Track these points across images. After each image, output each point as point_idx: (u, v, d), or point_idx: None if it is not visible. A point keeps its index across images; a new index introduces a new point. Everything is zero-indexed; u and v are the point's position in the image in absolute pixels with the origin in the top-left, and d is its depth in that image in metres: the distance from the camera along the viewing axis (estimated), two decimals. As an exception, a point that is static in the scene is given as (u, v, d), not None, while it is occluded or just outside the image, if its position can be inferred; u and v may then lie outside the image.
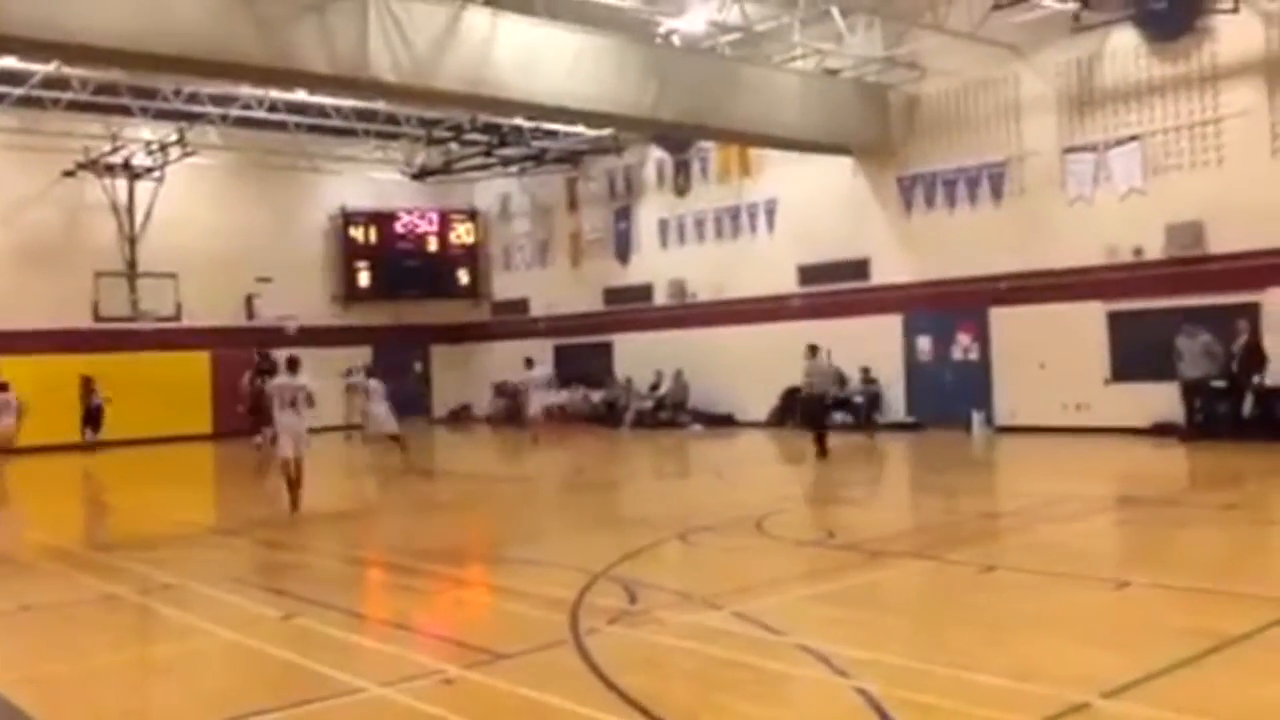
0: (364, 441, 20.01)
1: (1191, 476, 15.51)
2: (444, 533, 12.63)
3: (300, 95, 24.68)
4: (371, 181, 31.57)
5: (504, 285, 33.41)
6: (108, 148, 26.45)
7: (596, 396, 28.87)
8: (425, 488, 17.95)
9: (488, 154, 29.32)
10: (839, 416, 22.60)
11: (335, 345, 27.74)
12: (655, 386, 27.50)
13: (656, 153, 28.27)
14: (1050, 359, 20.42)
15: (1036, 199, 20.89)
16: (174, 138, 26.37)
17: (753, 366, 24.63)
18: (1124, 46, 19.71)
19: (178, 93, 24.96)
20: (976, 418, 21.40)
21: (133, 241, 27.61)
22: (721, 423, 25.75)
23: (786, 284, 25.09)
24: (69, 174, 26.67)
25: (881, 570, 9.09)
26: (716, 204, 26.90)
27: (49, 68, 22.24)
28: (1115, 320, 19.92)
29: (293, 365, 14.09)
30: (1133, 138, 19.59)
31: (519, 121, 26.61)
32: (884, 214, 23.36)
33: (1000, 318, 21.51)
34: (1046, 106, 20.73)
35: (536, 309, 32.02)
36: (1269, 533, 10.89)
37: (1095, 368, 20.01)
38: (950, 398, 21.99)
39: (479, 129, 27.76)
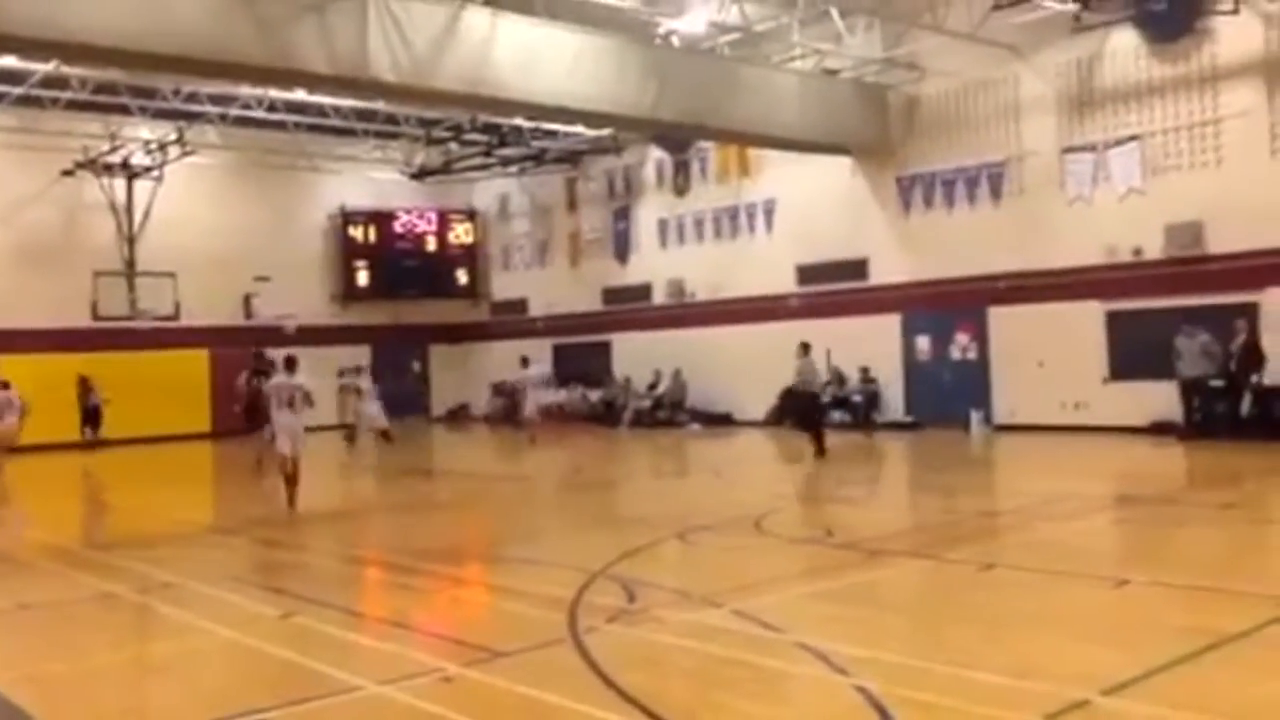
0: (352, 441, 20.07)
1: (1190, 475, 15.52)
2: (442, 532, 12.63)
3: (299, 95, 24.68)
4: (371, 181, 31.57)
5: (503, 285, 33.41)
6: (107, 147, 26.44)
7: (595, 396, 28.87)
8: (424, 487, 17.96)
9: (487, 154, 29.33)
10: (837, 416, 22.66)
11: (334, 344, 27.72)
12: (654, 386, 27.51)
13: (656, 153, 28.28)
14: (1049, 358, 20.43)
15: (1036, 199, 20.90)
16: (173, 137, 26.35)
17: (751, 366, 24.64)
18: (1124, 47, 19.72)
19: (177, 92, 24.95)
20: (975, 417, 21.41)
21: (131, 241, 27.60)
22: (720, 422, 25.75)
23: (785, 284, 25.10)
24: (68, 173, 26.67)
25: (880, 569, 9.09)
26: (715, 204, 26.91)
27: (48, 67, 22.24)
28: (1114, 320, 19.93)
29: (290, 365, 14.17)
30: (1132, 138, 19.60)
31: (518, 121, 26.61)
32: (883, 214, 23.37)
33: (999, 317, 21.52)
34: (1046, 107, 20.74)
35: (535, 309, 32.02)
36: (1267, 531, 10.90)
37: (1094, 367, 20.03)
38: (949, 397, 22.00)
39: (478, 129, 27.77)
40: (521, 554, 10.47)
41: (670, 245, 28.14)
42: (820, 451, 17.80)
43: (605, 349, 29.58)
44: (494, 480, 18.35)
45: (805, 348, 18.46)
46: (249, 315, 29.04)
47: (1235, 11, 18.09)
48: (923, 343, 22.92)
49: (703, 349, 26.25)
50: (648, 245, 28.78)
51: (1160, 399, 18.61)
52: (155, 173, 27.23)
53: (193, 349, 27.88)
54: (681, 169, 27.84)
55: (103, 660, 7.17)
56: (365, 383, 20.52)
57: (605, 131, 27.10)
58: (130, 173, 27.14)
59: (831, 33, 20.97)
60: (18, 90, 23.83)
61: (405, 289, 32.13)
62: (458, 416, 33.22)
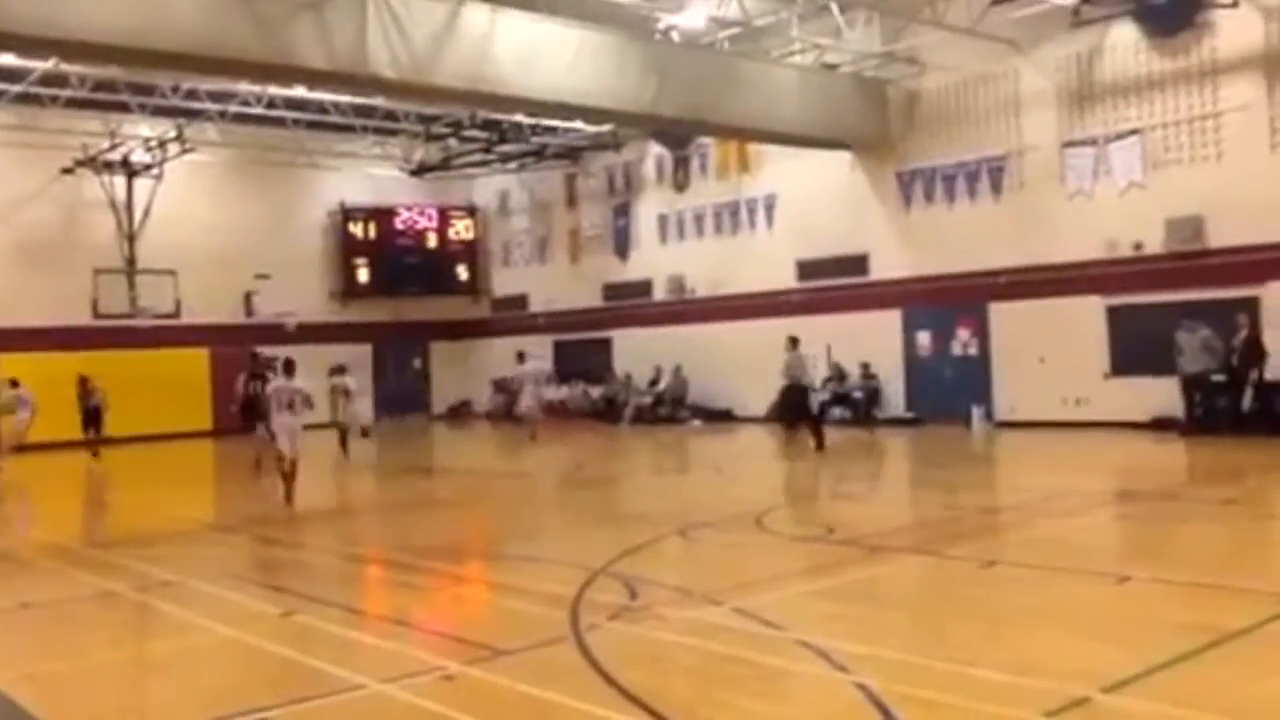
0: (345, 445, 20.11)
1: (1191, 471, 15.52)
2: (443, 529, 12.63)
3: (299, 91, 24.64)
4: (370, 178, 31.54)
5: (503, 281, 33.40)
6: (106, 145, 26.41)
7: (596, 392, 28.88)
8: (424, 484, 17.98)
9: (487, 150, 29.33)
10: (838, 412, 22.66)
11: (334, 342, 27.67)
12: (654, 382, 27.50)
13: (656, 148, 28.26)
14: (1050, 354, 20.42)
15: (1036, 194, 20.87)
16: (172, 134, 26.32)
17: (752, 362, 24.53)
18: (1123, 41, 19.69)
19: (176, 89, 24.91)
20: (976, 413, 21.40)
21: (131, 238, 27.58)
22: (720, 418, 25.74)
23: (785, 279, 25.08)
24: (67, 171, 26.65)
25: (881, 565, 9.09)
26: (715, 199, 26.89)
27: (47, 64, 22.21)
28: (1115, 315, 19.92)
29: (289, 368, 14.51)
30: (1132, 132, 19.57)
31: (518, 117, 26.59)
32: (883, 209, 23.35)
33: (1000, 312, 21.50)
34: (1046, 101, 20.71)
35: (536, 305, 32.01)
36: (1269, 527, 10.89)
37: (1095, 362, 20.01)
38: (950, 393, 21.98)
39: (478, 125, 27.75)
40: (523, 551, 10.46)
41: (670, 241, 28.13)
42: (819, 446, 17.86)
43: (606, 345, 29.58)
44: (495, 477, 18.35)
45: (794, 342, 18.77)
46: (249, 313, 29.02)
47: (1235, 5, 18.07)
48: (923, 338, 22.91)
49: (703, 345, 26.24)
50: (648, 241, 28.76)
51: (1161, 394, 18.59)
52: (155, 170, 27.20)
53: (193, 347, 27.87)
54: (681, 165, 27.81)
55: (102, 658, 7.16)
56: (351, 382, 20.53)
57: (605, 127, 27.07)
58: (130, 170, 27.11)
59: (831, 27, 20.93)
60: (17, 88, 23.78)
61: (406, 286, 32.09)
62: (459, 413, 33.21)
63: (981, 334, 21.92)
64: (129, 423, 24.27)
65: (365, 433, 20.54)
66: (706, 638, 6.71)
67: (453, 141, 29.57)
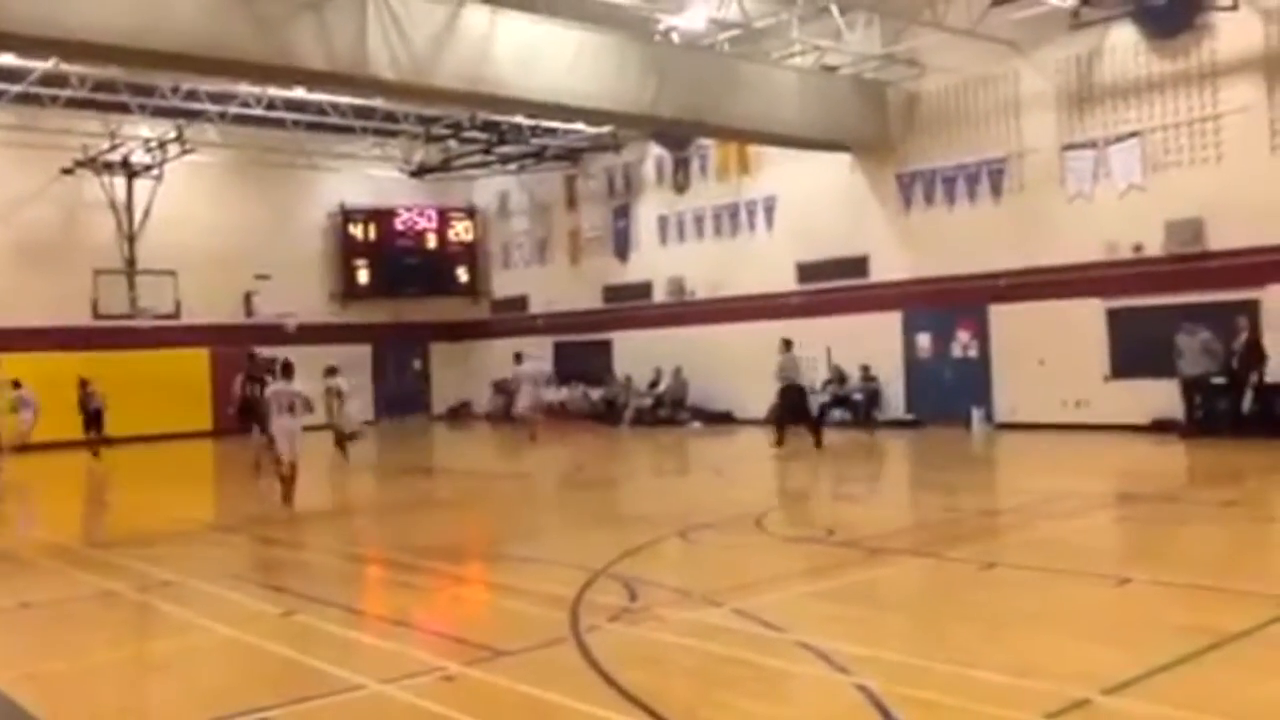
0: (343, 447, 20.07)
1: (1191, 473, 15.51)
2: (443, 530, 12.63)
3: (299, 93, 24.65)
4: (370, 179, 31.54)
5: (503, 283, 33.40)
6: (106, 145, 26.41)
7: (596, 394, 28.87)
8: (424, 485, 17.97)
9: (487, 151, 29.32)
10: (838, 414, 22.66)
11: (334, 343, 27.65)
12: (654, 384, 27.49)
13: (655, 150, 28.26)
14: (1050, 356, 20.42)
15: (1036, 196, 20.87)
16: (172, 135, 26.32)
17: (752, 364, 24.48)
18: (1123, 43, 19.70)
19: (176, 90, 24.92)
20: (976, 415, 21.40)
21: (131, 239, 27.58)
22: (720, 420, 25.74)
23: (785, 281, 25.08)
24: (67, 171, 26.65)
25: (881, 567, 9.09)
26: (715, 201, 26.89)
27: (47, 65, 22.21)
28: (1115, 317, 19.92)
29: (288, 371, 14.51)
30: (1132, 134, 19.57)
31: (518, 119, 26.60)
32: (883, 211, 23.35)
33: (1000, 315, 21.50)
34: (1046, 103, 20.72)
35: (536, 306, 32.01)
36: (1269, 530, 10.89)
37: (1095, 364, 20.01)
38: (950, 395, 21.99)
39: (478, 126, 27.75)
40: (523, 552, 10.46)
41: (670, 243, 28.12)
42: (818, 443, 17.92)
43: (606, 347, 29.57)
44: (495, 478, 18.34)
45: (787, 344, 18.99)
46: (249, 313, 29.00)
47: (1234, 7, 18.07)
48: (923, 340, 22.91)
49: (703, 347, 26.23)
50: (648, 243, 28.76)
51: (1161, 397, 18.58)
52: (155, 171, 27.20)
53: (193, 347, 27.87)
54: (681, 166, 27.81)
55: (103, 658, 7.16)
56: (343, 383, 20.51)
57: (605, 129, 27.07)
58: (130, 171, 27.10)
59: (831, 29, 20.94)
60: (17, 88, 23.79)
61: (405, 287, 32.09)
62: (459, 414, 33.22)
63: (981, 336, 21.92)
64: (129, 423, 24.28)
65: (353, 435, 20.31)
66: (706, 639, 6.71)
67: (452, 143, 29.58)
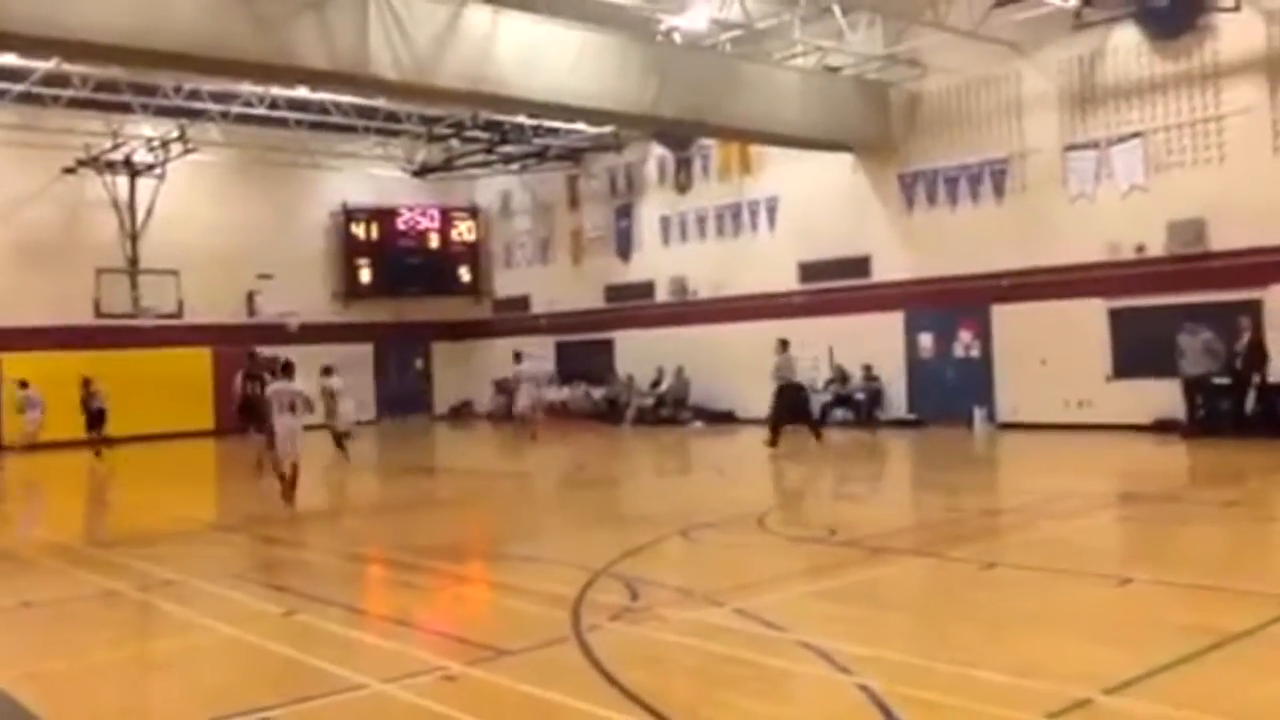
0: (343, 447, 20.05)
1: (1193, 473, 15.51)
2: (444, 529, 12.63)
3: (301, 92, 24.66)
4: (372, 178, 31.56)
5: (505, 282, 33.40)
6: (108, 145, 26.43)
7: (598, 393, 28.89)
8: (425, 484, 17.98)
9: (489, 151, 29.34)
10: (840, 413, 22.66)
11: (336, 342, 27.69)
12: (656, 383, 27.50)
13: (658, 150, 28.26)
14: (1052, 356, 20.41)
15: (1038, 196, 20.86)
16: (175, 135, 26.35)
17: (754, 364, 24.42)
18: (1125, 44, 19.68)
19: (178, 89, 24.93)
20: (978, 414, 21.40)
21: (134, 238, 27.61)
22: (722, 419, 25.74)
23: (787, 281, 25.07)
24: (70, 171, 26.68)
25: (883, 567, 9.08)
26: (717, 201, 26.89)
27: (49, 64, 22.23)
28: (1117, 317, 19.91)
29: (288, 370, 14.53)
30: (1134, 135, 19.56)
31: (520, 119, 26.60)
32: (885, 211, 23.35)
33: (1002, 315, 21.49)
34: (1048, 104, 20.71)
35: (538, 306, 32.02)
36: (1270, 529, 10.89)
37: (1097, 365, 20.00)
38: (952, 394, 21.98)
39: (480, 126, 27.76)
40: (524, 551, 10.46)
41: (672, 243, 28.12)
42: (817, 437, 17.96)
43: (608, 347, 29.58)
44: (496, 477, 18.35)
45: (784, 344, 19.06)
46: (252, 313, 29.05)
47: (1236, 8, 18.07)
48: (926, 340, 22.90)
49: (705, 346, 26.24)
50: (650, 243, 28.76)
51: (1163, 397, 18.58)
52: (157, 170, 27.23)
53: (195, 347, 27.89)
54: (683, 166, 27.81)
55: (104, 658, 7.17)
56: (338, 383, 20.51)
57: (607, 129, 27.08)
58: (132, 170, 27.13)
59: (833, 29, 20.93)
60: (19, 88, 23.81)
61: (407, 286, 32.10)
62: (460, 414, 33.23)
63: (984, 336, 21.91)
64: (131, 422, 24.29)
65: (345, 435, 20.25)
66: (708, 638, 6.70)
67: (455, 142, 29.60)
